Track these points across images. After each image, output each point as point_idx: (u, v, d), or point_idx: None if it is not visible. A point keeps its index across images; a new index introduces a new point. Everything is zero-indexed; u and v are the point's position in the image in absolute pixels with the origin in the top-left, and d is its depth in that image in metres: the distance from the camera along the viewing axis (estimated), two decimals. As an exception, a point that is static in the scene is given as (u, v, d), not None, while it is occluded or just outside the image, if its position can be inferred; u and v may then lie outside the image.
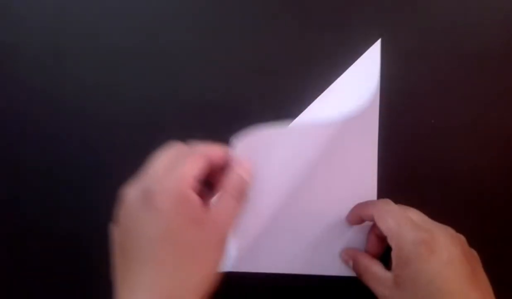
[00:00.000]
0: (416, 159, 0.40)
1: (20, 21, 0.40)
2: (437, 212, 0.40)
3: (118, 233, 0.29)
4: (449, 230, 0.33)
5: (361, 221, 0.37)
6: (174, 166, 0.28)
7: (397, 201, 0.39)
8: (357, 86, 0.37)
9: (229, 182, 0.30)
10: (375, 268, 0.35)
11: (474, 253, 0.33)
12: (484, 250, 0.40)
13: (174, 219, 0.27)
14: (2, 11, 0.40)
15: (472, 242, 0.40)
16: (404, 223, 0.32)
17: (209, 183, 0.31)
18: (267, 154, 0.32)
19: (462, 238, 0.33)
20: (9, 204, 0.39)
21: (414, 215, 0.34)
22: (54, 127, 0.39)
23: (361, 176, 0.39)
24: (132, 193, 0.28)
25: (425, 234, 0.31)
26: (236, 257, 0.37)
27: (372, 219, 0.34)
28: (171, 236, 0.27)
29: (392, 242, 0.32)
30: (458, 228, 0.40)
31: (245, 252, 0.38)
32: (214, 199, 0.31)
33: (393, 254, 0.32)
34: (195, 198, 0.28)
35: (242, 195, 0.30)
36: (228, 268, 0.38)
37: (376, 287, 0.34)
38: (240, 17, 0.40)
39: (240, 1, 0.40)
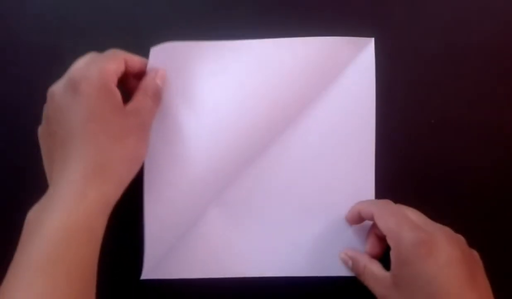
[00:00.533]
0: (415, 159, 0.40)
1: (20, 21, 0.40)
2: (437, 211, 0.40)
3: (46, 128, 0.32)
4: (448, 231, 0.33)
5: (360, 220, 0.37)
6: (95, 61, 0.31)
7: (396, 200, 0.39)
8: (352, 86, 0.38)
9: (144, 83, 0.34)
10: (374, 268, 0.35)
11: (474, 253, 0.33)
12: (484, 250, 0.40)
13: (98, 104, 0.30)
14: (2, 11, 0.40)
15: (472, 242, 0.40)
16: (404, 223, 0.32)
17: (125, 91, 0.34)
18: (189, 66, 0.36)
19: (461, 239, 0.33)
20: (11, 205, 0.39)
21: (414, 215, 0.34)
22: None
23: (358, 177, 0.39)
24: (57, 87, 0.32)
25: (424, 234, 0.31)
26: (235, 261, 0.38)
27: (371, 218, 0.34)
28: (96, 119, 0.30)
29: (391, 242, 0.32)
30: (458, 228, 0.40)
31: (246, 256, 0.38)
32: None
33: (392, 254, 0.32)
34: (116, 89, 0.31)
35: (156, 95, 0.34)
36: (229, 273, 0.38)
37: (374, 286, 0.34)
38: (234, 16, 0.40)
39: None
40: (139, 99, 0.33)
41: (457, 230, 0.40)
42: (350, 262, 0.37)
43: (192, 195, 0.37)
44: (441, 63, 0.40)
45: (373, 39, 0.37)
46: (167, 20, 0.40)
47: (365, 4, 0.40)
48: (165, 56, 0.36)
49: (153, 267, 0.38)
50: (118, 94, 0.31)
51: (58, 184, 0.29)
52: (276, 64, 0.37)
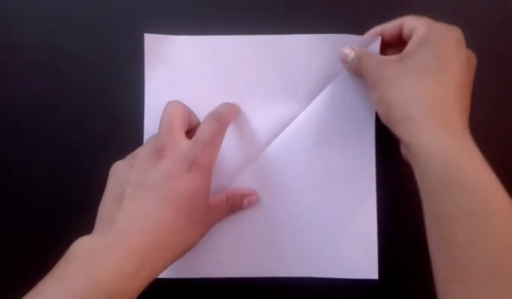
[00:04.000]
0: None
1: (20, 21, 0.40)
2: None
3: (133, 170, 0.31)
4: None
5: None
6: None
7: (397, 200, 0.39)
8: (356, 85, 0.37)
9: (235, 198, 0.37)
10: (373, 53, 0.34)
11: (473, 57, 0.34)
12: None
13: (196, 193, 0.32)
14: (2, 11, 0.40)
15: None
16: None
17: None
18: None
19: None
20: (11, 205, 0.39)
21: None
22: (55, 127, 0.40)
23: (359, 176, 0.38)
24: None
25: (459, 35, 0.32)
26: (237, 261, 0.38)
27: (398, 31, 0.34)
28: (188, 206, 0.31)
29: (421, 26, 0.32)
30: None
31: (248, 256, 0.38)
32: None
33: (417, 33, 0.32)
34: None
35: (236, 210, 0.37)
36: (231, 273, 0.38)
37: (372, 68, 0.33)
38: (236, 16, 0.40)
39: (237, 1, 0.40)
40: (223, 208, 0.36)
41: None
42: (348, 51, 0.35)
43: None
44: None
45: (379, 38, 0.36)
46: (168, 19, 0.40)
47: (369, 2, 0.40)
48: (160, 46, 0.37)
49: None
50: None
51: (121, 236, 0.28)
52: (277, 61, 0.37)
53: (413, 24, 0.33)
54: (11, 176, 0.39)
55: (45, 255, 0.29)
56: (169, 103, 0.34)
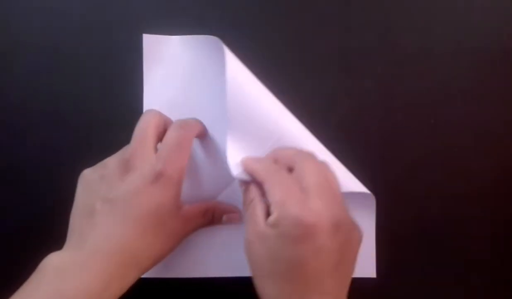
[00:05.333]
0: (416, 159, 0.40)
1: (20, 21, 0.40)
2: (437, 211, 0.40)
3: (101, 179, 0.31)
4: (337, 213, 0.29)
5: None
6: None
7: (397, 200, 0.39)
8: None
9: (208, 209, 0.36)
10: (259, 208, 0.30)
11: (355, 235, 0.31)
12: (484, 249, 0.40)
13: (164, 203, 0.32)
14: (2, 11, 0.40)
15: (472, 241, 0.40)
16: (292, 195, 0.29)
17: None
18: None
19: (348, 222, 0.30)
20: (10, 206, 0.39)
21: (315, 178, 0.30)
22: (54, 127, 0.40)
23: (356, 177, 0.38)
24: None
25: (307, 215, 0.28)
26: (235, 260, 0.38)
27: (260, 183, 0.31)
28: (157, 218, 0.31)
29: (274, 209, 0.29)
30: (458, 227, 0.40)
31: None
32: None
33: (272, 218, 0.29)
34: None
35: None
36: (229, 273, 0.38)
37: (248, 227, 0.31)
38: (236, 16, 0.40)
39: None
40: (198, 220, 0.35)
41: (456, 231, 0.40)
42: (244, 178, 0.33)
43: (191, 193, 0.37)
44: (441, 64, 0.40)
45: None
46: (168, 19, 0.40)
47: (371, 4, 0.40)
48: (158, 46, 0.37)
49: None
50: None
51: (90, 255, 0.29)
52: None
53: (268, 195, 0.30)
54: (11, 176, 0.39)
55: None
56: (146, 112, 0.34)
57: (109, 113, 0.39)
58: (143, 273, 0.31)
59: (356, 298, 0.39)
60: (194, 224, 0.35)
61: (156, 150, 0.33)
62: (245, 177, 0.32)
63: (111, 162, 0.32)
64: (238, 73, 0.34)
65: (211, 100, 0.37)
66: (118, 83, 0.39)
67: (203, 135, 0.36)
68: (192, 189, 0.37)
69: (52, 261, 0.28)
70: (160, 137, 0.33)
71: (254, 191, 0.32)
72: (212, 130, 0.37)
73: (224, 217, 0.37)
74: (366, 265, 0.39)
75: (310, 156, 0.32)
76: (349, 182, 0.37)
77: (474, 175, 0.40)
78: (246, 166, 0.33)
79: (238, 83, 0.33)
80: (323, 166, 0.31)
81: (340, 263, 0.29)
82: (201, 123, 0.36)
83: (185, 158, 0.32)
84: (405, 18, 0.40)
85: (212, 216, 0.36)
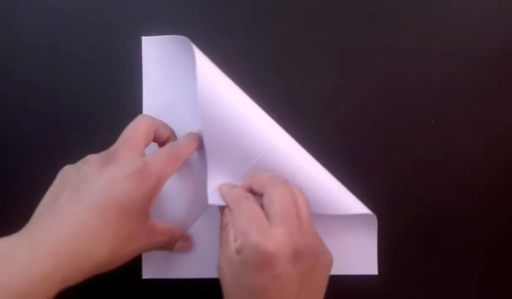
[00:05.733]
0: (416, 159, 0.40)
1: (20, 21, 0.40)
2: (438, 211, 0.40)
3: (77, 176, 0.30)
4: (300, 241, 0.29)
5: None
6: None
7: (396, 200, 0.39)
8: None
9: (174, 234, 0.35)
10: (232, 233, 0.31)
11: (322, 263, 0.31)
12: (484, 250, 0.40)
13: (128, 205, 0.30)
14: (2, 11, 0.39)
15: (472, 241, 0.40)
16: (254, 224, 0.30)
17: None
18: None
19: (312, 250, 0.30)
20: (9, 206, 0.39)
21: (281, 206, 0.30)
22: (54, 127, 0.39)
23: None
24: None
25: (267, 244, 0.28)
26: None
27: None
28: (118, 216, 0.30)
29: (238, 237, 0.30)
30: (458, 228, 0.40)
31: None
32: None
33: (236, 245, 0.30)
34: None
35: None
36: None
37: (221, 249, 0.32)
38: (237, 18, 0.40)
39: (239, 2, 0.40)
40: (159, 238, 0.34)
41: (457, 230, 0.40)
42: (221, 203, 0.34)
43: (191, 193, 0.37)
44: (441, 64, 0.40)
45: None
46: (168, 19, 0.40)
47: (372, 5, 0.40)
48: (157, 48, 0.37)
49: (153, 266, 0.38)
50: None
51: (37, 238, 0.27)
52: None
53: (234, 224, 0.31)
54: (11, 176, 0.39)
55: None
56: (139, 116, 0.34)
57: (109, 113, 0.39)
58: (95, 271, 0.29)
59: (357, 295, 0.39)
60: (155, 240, 0.33)
61: (142, 153, 0.33)
62: (221, 202, 0.34)
63: (93, 157, 0.32)
64: (209, 80, 0.34)
65: None
66: (118, 83, 0.39)
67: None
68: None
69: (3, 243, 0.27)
70: (148, 144, 0.34)
71: (228, 216, 0.32)
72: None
73: (178, 244, 0.36)
74: (367, 262, 0.39)
75: (279, 183, 0.32)
76: (345, 202, 0.36)
77: (474, 174, 0.40)
78: (220, 192, 0.34)
79: (212, 95, 0.33)
80: (293, 193, 0.31)
81: (303, 289, 0.29)
82: (198, 141, 0.35)
83: (171, 171, 0.32)
84: (405, 18, 0.40)
85: (171, 238, 0.35)
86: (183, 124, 0.38)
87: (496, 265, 0.40)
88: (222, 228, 0.33)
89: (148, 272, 0.38)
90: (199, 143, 0.35)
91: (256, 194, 0.33)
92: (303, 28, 0.40)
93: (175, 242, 0.36)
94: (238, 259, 0.29)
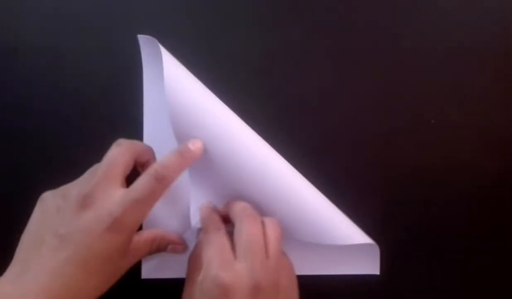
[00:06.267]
0: (416, 159, 0.40)
1: (20, 21, 0.40)
2: (438, 211, 0.40)
3: (60, 203, 0.31)
4: (262, 276, 0.30)
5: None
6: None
7: (396, 200, 0.39)
8: None
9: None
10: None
11: (285, 295, 0.32)
12: (484, 250, 0.40)
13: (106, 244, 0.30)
14: (2, 11, 0.40)
15: (473, 240, 0.40)
16: (216, 257, 0.31)
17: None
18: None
19: (274, 282, 0.31)
20: (8, 205, 0.39)
21: (244, 240, 0.31)
22: (54, 127, 0.40)
23: None
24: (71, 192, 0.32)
25: (226, 278, 0.29)
26: None
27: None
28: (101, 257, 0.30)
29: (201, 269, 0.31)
30: (458, 228, 0.40)
31: None
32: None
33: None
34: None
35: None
36: None
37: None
38: (237, 18, 0.40)
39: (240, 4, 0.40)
40: (145, 250, 0.34)
41: (458, 230, 0.40)
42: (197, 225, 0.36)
43: (183, 202, 0.38)
44: (441, 64, 0.40)
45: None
46: (168, 20, 0.40)
47: (372, 4, 0.40)
48: (155, 46, 0.36)
49: (152, 266, 0.38)
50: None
51: (29, 289, 0.28)
52: None
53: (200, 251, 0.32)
54: (11, 177, 0.39)
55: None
56: (116, 145, 0.33)
57: (109, 113, 0.39)
58: None
59: (358, 295, 0.39)
60: (141, 254, 0.34)
61: (121, 183, 0.32)
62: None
63: (72, 193, 0.31)
64: (177, 86, 0.34)
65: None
66: (118, 83, 0.39)
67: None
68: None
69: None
70: (127, 172, 0.33)
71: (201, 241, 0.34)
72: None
73: (169, 247, 0.36)
74: (369, 262, 0.38)
75: (248, 217, 0.33)
76: (345, 231, 0.36)
77: (474, 174, 0.40)
78: (200, 214, 0.36)
79: (186, 113, 0.33)
80: (263, 227, 0.32)
81: None
82: (188, 156, 0.33)
83: (149, 209, 0.32)
84: (405, 18, 0.40)
85: (159, 245, 0.35)
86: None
87: (496, 265, 0.40)
88: (191, 257, 0.34)
89: (147, 272, 0.38)
90: (188, 162, 0.33)
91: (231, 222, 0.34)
92: (303, 27, 0.40)
93: (165, 247, 0.36)
94: (199, 289, 0.30)
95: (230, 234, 0.33)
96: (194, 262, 0.33)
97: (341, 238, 0.35)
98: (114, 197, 0.31)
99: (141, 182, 0.31)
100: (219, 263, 0.30)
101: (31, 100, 0.39)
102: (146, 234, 0.34)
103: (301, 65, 0.40)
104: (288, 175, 0.36)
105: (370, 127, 0.40)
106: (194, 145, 0.33)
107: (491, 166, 0.40)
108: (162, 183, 0.31)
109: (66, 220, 0.30)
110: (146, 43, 0.38)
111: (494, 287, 0.40)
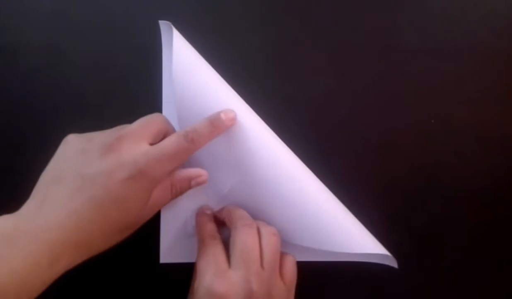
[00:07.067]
0: (416, 159, 0.40)
1: (20, 21, 0.40)
2: (438, 211, 0.40)
3: (86, 145, 0.31)
4: (254, 284, 0.30)
5: None
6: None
7: (396, 200, 0.39)
8: None
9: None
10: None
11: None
12: (484, 250, 0.40)
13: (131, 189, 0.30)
14: (2, 11, 0.39)
15: (473, 240, 0.40)
16: (211, 266, 0.31)
17: None
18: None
19: (267, 291, 0.31)
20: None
21: (238, 250, 0.32)
22: (53, 128, 0.39)
23: None
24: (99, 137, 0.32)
25: (220, 286, 0.30)
26: None
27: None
28: (123, 202, 0.30)
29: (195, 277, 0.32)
30: (459, 229, 0.40)
31: None
32: None
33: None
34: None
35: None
36: None
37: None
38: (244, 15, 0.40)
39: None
40: (165, 201, 0.34)
41: (458, 231, 0.40)
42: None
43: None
44: (441, 64, 0.40)
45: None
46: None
47: (373, 4, 0.40)
48: (171, 32, 0.35)
49: (170, 251, 0.37)
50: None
51: (44, 225, 0.28)
52: None
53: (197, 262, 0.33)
54: (11, 177, 0.39)
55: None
56: (157, 114, 0.34)
57: (109, 113, 0.39)
58: (93, 255, 0.30)
59: (360, 295, 0.39)
60: (161, 204, 0.33)
61: (149, 143, 0.32)
62: None
63: (98, 138, 0.31)
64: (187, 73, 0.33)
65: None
66: (118, 83, 0.40)
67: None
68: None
69: (3, 225, 0.27)
70: (153, 143, 0.32)
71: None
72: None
73: (192, 182, 0.34)
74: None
75: (244, 226, 0.33)
76: (360, 241, 0.35)
77: (474, 174, 0.40)
78: (196, 223, 0.36)
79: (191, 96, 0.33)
80: (260, 237, 0.32)
81: None
82: (219, 125, 0.33)
83: (175, 166, 0.32)
84: (405, 18, 0.41)
85: (180, 187, 0.34)
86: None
87: (496, 264, 0.40)
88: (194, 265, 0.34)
89: (166, 257, 0.37)
90: (218, 130, 0.33)
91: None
92: (303, 27, 0.40)
93: (187, 186, 0.34)
94: (195, 298, 0.30)
95: (227, 240, 0.33)
96: (193, 271, 0.33)
97: (357, 246, 0.34)
98: (141, 149, 0.31)
99: (170, 139, 0.32)
100: (213, 272, 0.30)
101: (31, 100, 0.39)
102: (162, 185, 0.32)
103: (300, 65, 0.40)
104: (303, 179, 0.35)
105: (370, 127, 0.40)
106: (226, 116, 0.33)
107: (491, 166, 0.40)
108: (191, 143, 0.32)
109: (90, 161, 0.30)
110: (165, 29, 0.37)
111: (495, 286, 0.40)
